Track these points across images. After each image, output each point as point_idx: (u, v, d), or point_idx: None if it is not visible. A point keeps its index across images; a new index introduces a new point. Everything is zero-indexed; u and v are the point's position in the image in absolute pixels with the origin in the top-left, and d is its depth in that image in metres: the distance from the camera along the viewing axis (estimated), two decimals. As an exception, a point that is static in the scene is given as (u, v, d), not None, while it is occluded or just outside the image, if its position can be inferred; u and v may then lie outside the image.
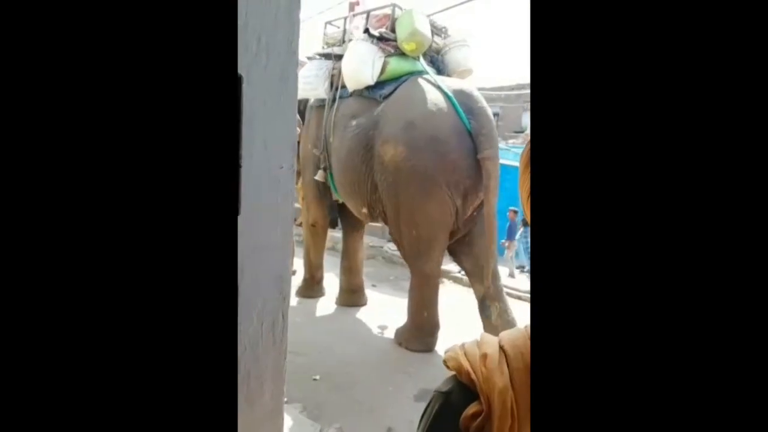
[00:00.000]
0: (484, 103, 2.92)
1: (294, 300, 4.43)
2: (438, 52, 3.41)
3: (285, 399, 2.49)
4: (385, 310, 4.25)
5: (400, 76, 3.09)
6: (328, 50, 3.62)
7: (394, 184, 2.86)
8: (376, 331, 3.73)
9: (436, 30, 3.42)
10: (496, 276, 3.04)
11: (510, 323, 2.90)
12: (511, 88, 15.83)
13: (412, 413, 2.50)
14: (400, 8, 3.27)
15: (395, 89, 3.03)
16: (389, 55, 3.12)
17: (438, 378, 1.06)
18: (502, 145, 10.60)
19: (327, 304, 4.38)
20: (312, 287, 4.35)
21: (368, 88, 3.18)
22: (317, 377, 2.86)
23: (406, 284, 5.02)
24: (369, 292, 4.71)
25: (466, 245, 3.12)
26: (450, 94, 2.83)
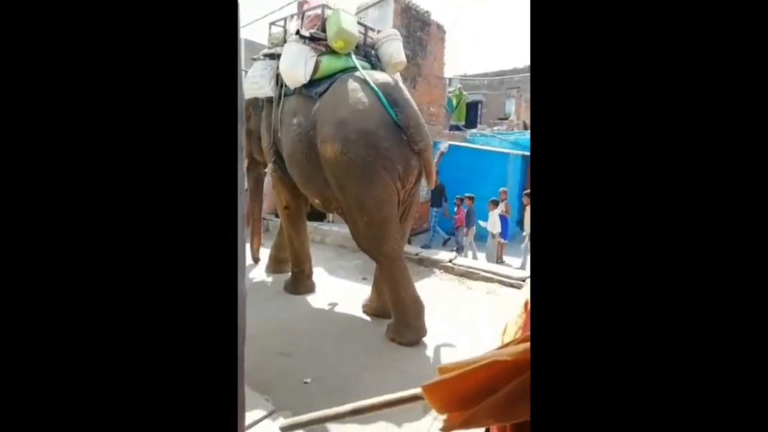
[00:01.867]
0: (407, 95, 3.15)
1: (281, 295, 4.33)
2: (372, 46, 3.63)
3: (273, 406, 2.43)
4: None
5: (334, 74, 3.33)
6: (272, 50, 3.83)
7: (337, 177, 3.10)
8: (369, 328, 3.65)
9: (369, 27, 3.68)
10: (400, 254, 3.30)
11: (386, 300, 3.39)
12: (495, 75, 15.80)
13: (412, 416, 2.44)
14: (330, 8, 3.44)
15: (329, 87, 3.27)
16: (321, 54, 3.34)
17: (433, 376, 0.94)
18: (486, 131, 11.01)
19: (316, 300, 4.23)
20: (301, 282, 4.34)
21: (306, 86, 3.40)
22: (308, 380, 2.72)
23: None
24: (360, 286, 4.65)
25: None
26: (376, 89, 3.03)
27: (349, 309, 4.00)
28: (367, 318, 3.79)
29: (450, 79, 11.23)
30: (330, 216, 7.77)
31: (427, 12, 7.33)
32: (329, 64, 3.34)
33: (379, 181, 2.99)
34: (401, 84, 3.21)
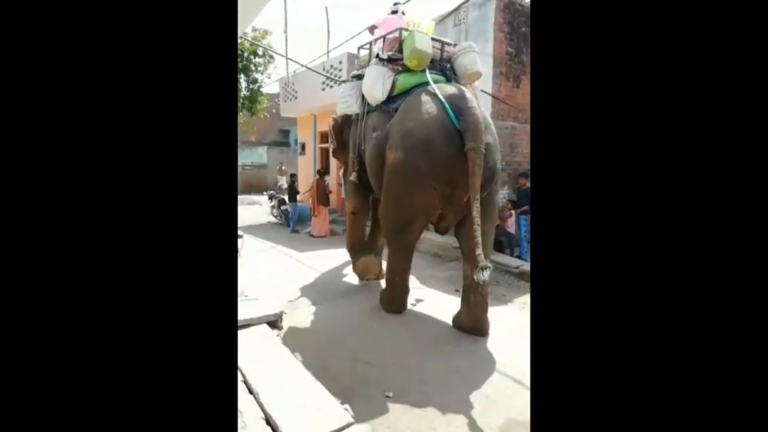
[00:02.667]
0: (473, 103, 3.28)
1: (368, 305, 4.30)
2: (448, 60, 3.88)
3: (352, 418, 2.37)
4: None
5: (409, 90, 3.67)
6: (359, 72, 4.30)
7: (389, 178, 3.50)
8: (458, 345, 3.40)
9: (446, 42, 3.94)
10: (475, 260, 3.01)
11: (482, 305, 3.38)
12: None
13: None
14: (407, 30, 3.84)
15: (400, 104, 3.62)
16: (398, 72, 3.76)
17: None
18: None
19: (406, 310, 4.16)
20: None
21: (384, 102, 3.81)
22: (390, 394, 2.62)
23: (495, 289, 4.66)
24: (452, 299, 4.37)
25: (465, 230, 3.41)
26: (443, 100, 3.30)
27: (439, 321, 3.80)
28: (458, 332, 3.55)
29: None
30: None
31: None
32: (405, 81, 3.72)
33: (423, 190, 3.28)
34: (469, 94, 3.41)
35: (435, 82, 3.58)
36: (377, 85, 3.74)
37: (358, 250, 4.88)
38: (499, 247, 5.98)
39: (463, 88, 3.49)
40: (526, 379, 2.78)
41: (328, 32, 8.55)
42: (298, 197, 8.88)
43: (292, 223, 8.83)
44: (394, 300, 3.87)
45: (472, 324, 3.46)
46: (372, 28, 4.49)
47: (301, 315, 3.98)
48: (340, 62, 8.32)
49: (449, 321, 3.73)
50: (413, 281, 4.90)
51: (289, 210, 8.99)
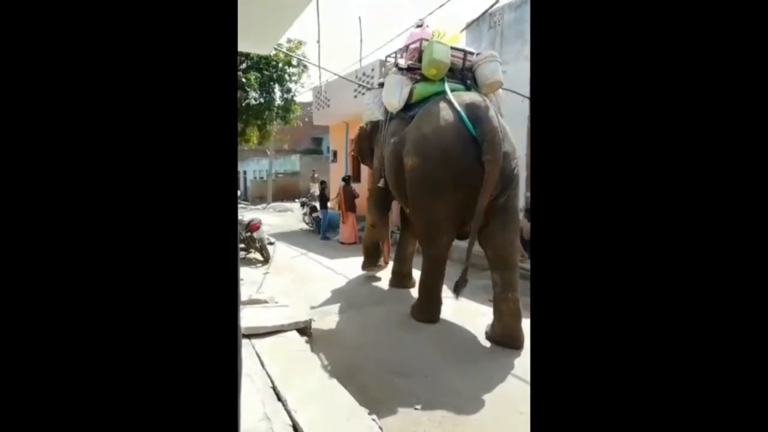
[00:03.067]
0: (491, 113, 3.29)
1: (399, 313, 4.22)
2: (470, 69, 3.89)
3: (380, 429, 2.30)
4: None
5: (427, 98, 3.72)
6: (383, 80, 4.36)
7: (411, 185, 3.57)
8: (491, 358, 3.26)
9: (468, 51, 3.96)
10: (512, 266, 3.42)
11: (515, 314, 3.28)
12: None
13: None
14: (427, 40, 3.92)
15: (417, 111, 3.71)
16: (417, 81, 3.85)
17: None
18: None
19: (443, 318, 4.05)
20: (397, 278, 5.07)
21: (403, 110, 3.91)
22: (419, 407, 2.53)
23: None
24: (486, 309, 4.21)
25: (488, 237, 3.48)
26: (459, 109, 3.34)
27: (471, 333, 3.67)
28: (489, 345, 3.40)
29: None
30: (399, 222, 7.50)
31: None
32: (422, 89, 3.79)
33: (441, 197, 3.35)
34: (487, 103, 3.42)
35: (454, 90, 3.61)
36: (395, 93, 3.87)
37: (371, 255, 5.37)
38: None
39: (481, 97, 3.52)
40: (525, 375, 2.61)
41: (361, 40, 8.67)
42: (329, 204, 8.96)
43: (322, 230, 8.92)
44: (426, 310, 3.86)
45: (504, 335, 3.32)
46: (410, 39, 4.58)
47: (331, 322, 3.95)
48: (372, 69, 8.38)
49: (482, 334, 3.60)
50: (445, 290, 4.80)
51: (320, 217, 9.10)
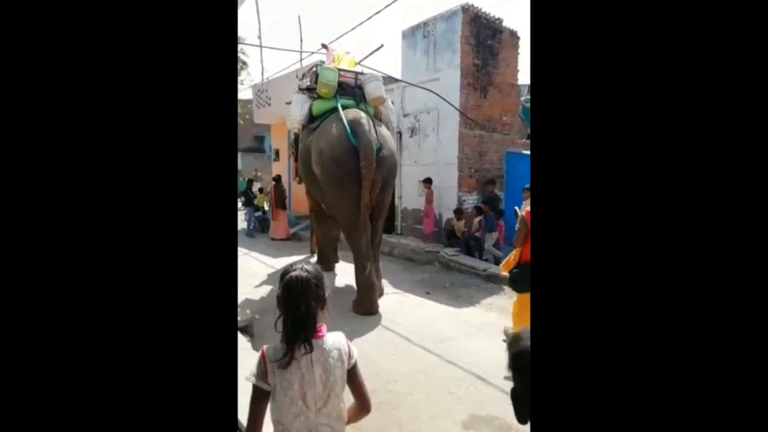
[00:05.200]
0: (367, 127, 4.22)
1: (341, 305, 4.41)
2: (359, 87, 4.81)
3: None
4: (439, 320, 4.00)
5: (324, 113, 4.69)
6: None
7: (322, 189, 4.57)
8: (426, 345, 3.55)
9: (358, 72, 4.95)
10: (375, 245, 4.64)
11: (374, 280, 4.26)
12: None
13: None
14: (321, 64, 5.08)
15: (319, 124, 4.63)
16: (314, 99, 4.82)
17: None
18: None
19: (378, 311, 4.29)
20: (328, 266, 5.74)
21: (308, 122, 4.86)
22: None
23: (464, 291, 4.89)
24: (423, 301, 4.58)
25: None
26: (346, 124, 4.25)
27: (407, 324, 3.93)
28: (426, 334, 3.69)
29: (526, 87, 10.71)
30: (399, 228, 7.82)
31: (498, 19, 7.10)
32: (319, 106, 4.74)
33: (346, 190, 4.22)
34: (366, 119, 4.36)
35: (345, 106, 4.54)
36: (296, 110, 4.91)
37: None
38: (469, 252, 6.20)
39: (364, 113, 4.45)
40: (487, 376, 2.94)
41: (301, 40, 8.67)
42: (256, 202, 9.33)
43: (247, 227, 9.16)
44: (364, 299, 4.28)
45: (363, 307, 4.25)
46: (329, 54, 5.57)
47: (272, 320, 4.02)
48: (312, 69, 8.42)
49: (418, 323, 3.88)
50: (386, 285, 5.05)
51: (265, 216, 9.09)
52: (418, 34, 7.14)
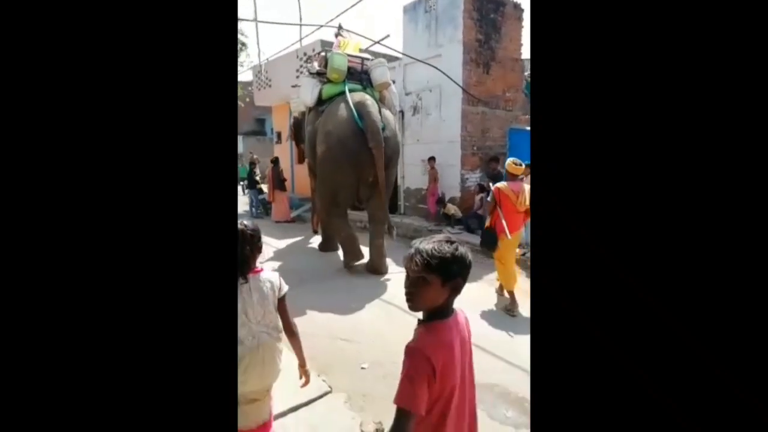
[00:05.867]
0: (372, 109, 4.58)
1: (347, 283, 4.50)
2: (366, 72, 5.13)
3: (329, 388, 2.55)
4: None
5: (332, 97, 4.99)
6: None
7: (319, 165, 4.97)
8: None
9: (365, 57, 5.25)
10: (381, 221, 5.04)
11: (380, 253, 4.88)
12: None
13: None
14: (329, 50, 5.40)
15: (327, 107, 4.96)
16: (324, 83, 5.12)
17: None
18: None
19: (381, 289, 4.35)
20: (331, 243, 5.91)
21: (316, 105, 5.18)
22: (365, 366, 2.79)
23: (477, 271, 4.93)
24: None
25: (367, 200, 5.07)
26: (352, 107, 4.61)
27: (412, 299, 4.00)
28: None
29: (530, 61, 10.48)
30: (402, 208, 7.85)
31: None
32: (329, 90, 5.05)
33: (342, 171, 4.66)
34: (372, 101, 4.75)
35: (352, 90, 4.86)
36: (306, 93, 5.21)
37: (350, 250, 5.95)
38: (469, 229, 6.23)
39: (369, 96, 4.82)
40: (488, 346, 3.03)
41: (300, 19, 8.51)
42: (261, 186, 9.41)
43: (250, 210, 9.33)
44: (350, 251, 4.94)
45: (373, 267, 4.85)
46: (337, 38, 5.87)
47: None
48: (314, 50, 8.31)
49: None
50: (391, 264, 5.12)
51: (266, 199, 9.15)
52: (420, 9, 6.99)
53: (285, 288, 1.65)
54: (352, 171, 4.67)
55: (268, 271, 1.64)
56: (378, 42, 6.17)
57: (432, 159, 6.86)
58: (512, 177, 3.84)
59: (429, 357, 0.94)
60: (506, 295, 3.86)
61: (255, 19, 7.21)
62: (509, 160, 3.93)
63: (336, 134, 4.62)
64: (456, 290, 1.00)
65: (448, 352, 0.98)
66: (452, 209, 6.57)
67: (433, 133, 7.15)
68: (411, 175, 7.68)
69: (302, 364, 1.78)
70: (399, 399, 0.93)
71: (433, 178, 6.88)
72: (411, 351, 0.97)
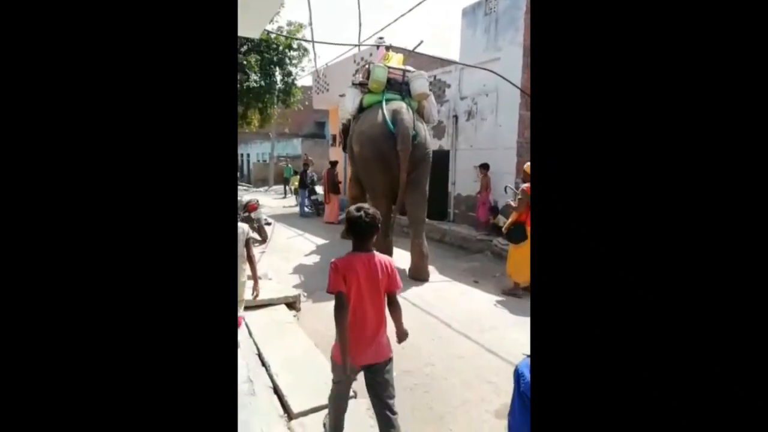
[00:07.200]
0: (404, 116, 4.87)
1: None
2: (406, 83, 5.47)
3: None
4: (483, 309, 3.88)
5: (372, 105, 5.43)
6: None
7: (358, 167, 5.52)
8: (467, 332, 3.46)
9: (407, 69, 5.58)
10: (420, 222, 5.15)
11: (421, 255, 4.89)
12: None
13: (487, 430, 2.22)
14: (372, 63, 6.03)
15: (364, 113, 5.46)
16: (365, 93, 5.62)
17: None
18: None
19: (419, 297, 4.22)
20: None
21: (358, 113, 5.68)
22: (394, 374, 2.76)
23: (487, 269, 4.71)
24: (469, 289, 4.46)
25: (406, 202, 5.20)
26: (386, 113, 5.00)
27: (449, 309, 3.85)
28: (467, 320, 3.59)
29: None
30: (451, 215, 7.65)
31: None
32: (369, 99, 5.52)
33: (374, 172, 5.10)
34: (405, 109, 5.02)
35: (390, 99, 5.24)
36: (349, 101, 5.78)
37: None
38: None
39: (405, 105, 5.11)
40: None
41: (360, 24, 8.67)
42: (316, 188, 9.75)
43: (300, 208, 9.66)
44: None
45: (415, 270, 4.91)
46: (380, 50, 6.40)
47: (319, 297, 4.15)
48: (371, 54, 8.40)
49: (460, 311, 3.79)
50: (433, 272, 5.00)
51: (319, 199, 9.40)
52: (479, 12, 6.81)
53: (249, 233, 2.34)
54: (381, 171, 4.98)
55: (242, 223, 2.12)
56: (412, 51, 6.31)
57: (484, 166, 6.62)
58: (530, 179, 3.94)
59: (337, 266, 1.78)
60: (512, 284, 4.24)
61: (312, 40, 7.48)
62: (527, 164, 4.22)
63: (368, 134, 5.06)
64: (355, 238, 1.89)
65: (350, 266, 1.79)
66: (501, 221, 6.28)
67: (488, 139, 6.90)
68: (462, 182, 7.47)
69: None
70: (328, 288, 1.80)
71: (485, 185, 6.63)
72: (331, 264, 1.81)
